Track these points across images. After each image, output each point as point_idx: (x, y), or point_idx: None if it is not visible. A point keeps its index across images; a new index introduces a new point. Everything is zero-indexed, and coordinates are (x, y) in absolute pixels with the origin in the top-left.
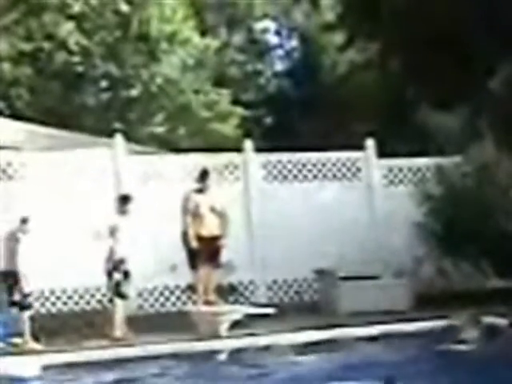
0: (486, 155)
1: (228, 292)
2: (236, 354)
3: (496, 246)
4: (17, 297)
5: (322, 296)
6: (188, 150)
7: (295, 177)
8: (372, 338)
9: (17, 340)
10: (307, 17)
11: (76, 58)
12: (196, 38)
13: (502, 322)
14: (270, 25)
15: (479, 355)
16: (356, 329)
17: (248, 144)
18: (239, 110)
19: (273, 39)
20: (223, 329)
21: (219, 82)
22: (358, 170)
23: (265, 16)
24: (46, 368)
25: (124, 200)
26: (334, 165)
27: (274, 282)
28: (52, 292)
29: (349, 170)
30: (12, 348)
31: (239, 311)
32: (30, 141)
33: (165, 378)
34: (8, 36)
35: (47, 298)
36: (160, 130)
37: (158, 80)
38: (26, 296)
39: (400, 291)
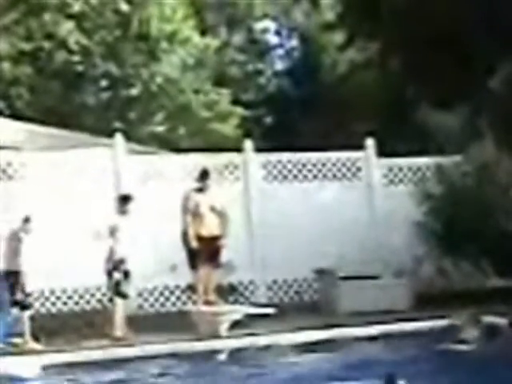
0: (486, 154)
1: (228, 292)
2: (236, 353)
3: (496, 245)
4: (19, 296)
5: (322, 296)
6: (188, 149)
7: (295, 177)
8: (372, 338)
9: (17, 340)
10: (307, 16)
11: (76, 58)
12: (196, 38)
13: (502, 321)
14: (270, 24)
15: (479, 355)
16: (356, 329)
17: (248, 144)
18: (239, 110)
19: (273, 39)
20: (223, 329)
21: (219, 81)
22: (358, 169)
23: (265, 16)
24: (46, 368)
25: (124, 200)
26: (334, 164)
27: (274, 281)
28: (52, 292)
29: (349, 169)
30: (12, 348)
31: (239, 311)
32: (30, 140)
33: (165, 378)
34: (8, 35)
35: (47, 298)
36: (160, 129)
37: (158, 79)
38: (27, 295)
39: (400, 291)
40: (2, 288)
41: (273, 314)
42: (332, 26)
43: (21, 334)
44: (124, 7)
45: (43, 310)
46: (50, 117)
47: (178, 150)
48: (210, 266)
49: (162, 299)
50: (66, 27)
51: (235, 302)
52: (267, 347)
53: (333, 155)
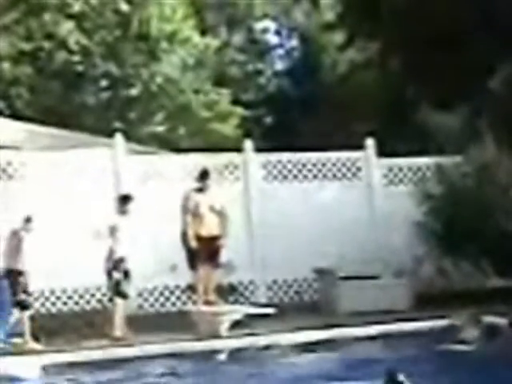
0: (486, 155)
1: (228, 292)
2: (236, 353)
3: (496, 245)
4: (21, 296)
5: (322, 296)
6: (188, 149)
7: (295, 177)
8: (372, 338)
9: (17, 340)
10: (307, 16)
11: (76, 58)
12: (196, 38)
13: (502, 321)
14: (270, 24)
15: (479, 355)
16: (356, 329)
17: (248, 144)
18: (239, 110)
19: (273, 39)
20: (223, 329)
21: (219, 81)
22: (358, 169)
23: (265, 16)
24: (46, 368)
25: (124, 200)
26: (334, 164)
27: (274, 281)
28: (52, 292)
29: (349, 169)
30: (12, 348)
31: (239, 311)
32: (30, 140)
33: (165, 378)
34: (8, 35)
35: (47, 298)
36: (160, 129)
37: (158, 79)
38: (29, 295)
39: (400, 291)
40: (2, 288)
41: (273, 314)
42: (332, 26)
43: (21, 334)
44: (124, 7)
45: (43, 310)
46: (49, 117)
47: (178, 150)
48: (209, 266)
49: (162, 299)
50: (66, 27)
51: (235, 301)
52: (267, 347)
53: (333, 155)
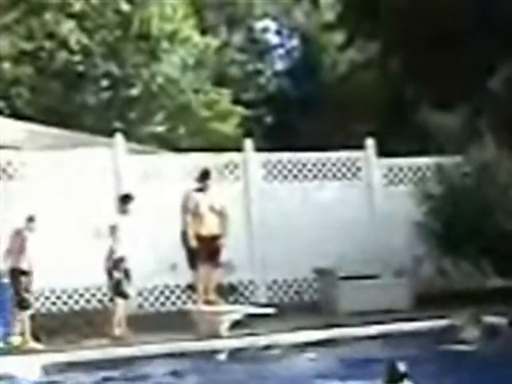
0: (485, 155)
1: (228, 292)
2: (236, 353)
3: (496, 245)
4: (23, 295)
5: (322, 296)
6: (188, 149)
7: (295, 176)
8: (372, 338)
9: (17, 339)
10: (307, 16)
11: (77, 57)
12: (196, 37)
13: (502, 321)
14: (271, 24)
15: (479, 355)
16: (356, 328)
17: (248, 143)
18: (239, 110)
19: (273, 39)
20: (223, 328)
21: (219, 81)
22: (358, 169)
23: (265, 15)
24: (46, 367)
25: (125, 199)
26: (334, 164)
27: (274, 281)
28: (52, 291)
29: (349, 169)
30: (12, 347)
31: (239, 311)
32: (31, 140)
33: (165, 378)
34: (9, 35)
35: (47, 298)
36: (160, 129)
37: (159, 79)
38: (31, 295)
39: (400, 291)
40: (4, 287)
41: (273, 314)
42: (332, 26)
43: (21, 334)
44: (125, 7)
45: (43, 310)
46: (50, 116)
47: (179, 149)
48: (209, 266)
49: (162, 299)
50: (67, 27)
51: (235, 301)
52: (267, 347)
53: (333, 155)
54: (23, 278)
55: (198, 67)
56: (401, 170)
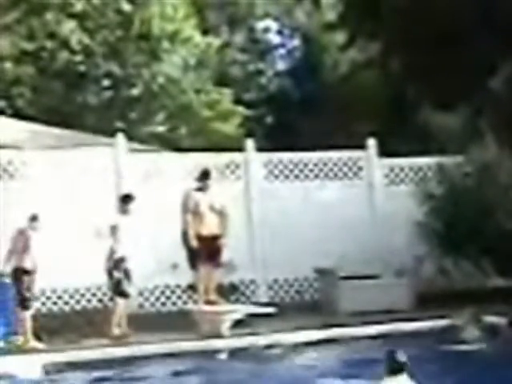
0: (487, 155)
1: (229, 291)
2: (237, 353)
3: (497, 244)
4: (25, 294)
5: (323, 295)
6: (189, 149)
7: (296, 176)
8: (372, 338)
9: (18, 339)
10: (309, 16)
11: (78, 57)
12: (197, 37)
13: (502, 321)
14: (272, 24)
15: (480, 354)
16: (356, 328)
17: (249, 143)
18: (241, 110)
19: (274, 38)
20: (224, 328)
21: (221, 81)
22: (360, 169)
23: (266, 15)
24: (46, 367)
25: (125, 199)
26: (335, 164)
27: (275, 281)
28: (53, 291)
29: (350, 169)
30: (13, 347)
31: (240, 310)
32: (32, 140)
33: (165, 377)
34: (10, 35)
35: (48, 297)
36: (161, 129)
37: (160, 79)
38: (33, 294)
39: (401, 290)
40: (5, 286)
41: (274, 314)
42: (333, 26)
43: (22, 333)
44: (126, 7)
45: (44, 309)
46: (51, 116)
47: (180, 149)
48: (210, 266)
49: (162, 298)
50: (68, 27)
51: (236, 301)
52: (268, 346)
53: (334, 155)
54: (26, 278)
55: (199, 67)
56: (402, 169)
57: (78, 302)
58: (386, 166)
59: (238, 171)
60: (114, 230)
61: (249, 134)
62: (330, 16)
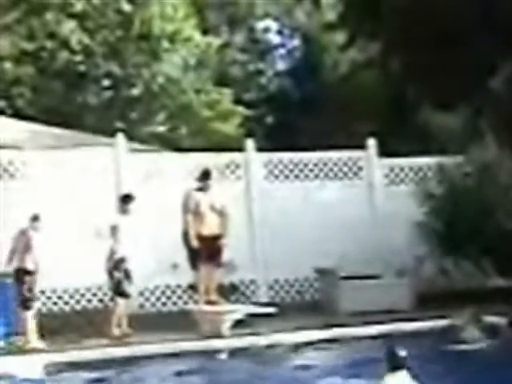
0: (487, 155)
1: (229, 291)
2: (237, 353)
3: (497, 244)
4: (26, 294)
5: (324, 295)
6: (190, 149)
7: (297, 176)
8: (373, 338)
9: (19, 339)
10: (309, 16)
11: (78, 57)
12: (197, 37)
13: (502, 321)
14: (272, 24)
15: (480, 354)
16: (357, 328)
17: (249, 143)
18: (241, 110)
19: (274, 38)
20: (225, 328)
21: (221, 81)
22: (360, 169)
23: (266, 15)
24: (47, 367)
25: (126, 199)
26: (335, 164)
27: (276, 281)
28: (53, 291)
29: (350, 169)
30: (14, 347)
31: (241, 310)
32: (32, 140)
33: (166, 377)
34: (10, 35)
35: (49, 297)
36: (161, 129)
37: (160, 79)
38: (34, 294)
39: (401, 291)
40: (7, 287)
41: (274, 314)
42: (333, 26)
43: (23, 333)
44: (126, 7)
45: (44, 310)
46: (51, 116)
47: (180, 149)
48: (211, 266)
49: (163, 298)
50: (68, 27)
51: (237, 301)
52: (269, 346)
53: (334, 155)
54: (27, 278)
55: (200, 67)
56: (402, 169)
57: (78, 302)
58: (386, 165)
59: (239, 171)
60: (114, 230)
61: (249, 134)
62: (330, 16)
